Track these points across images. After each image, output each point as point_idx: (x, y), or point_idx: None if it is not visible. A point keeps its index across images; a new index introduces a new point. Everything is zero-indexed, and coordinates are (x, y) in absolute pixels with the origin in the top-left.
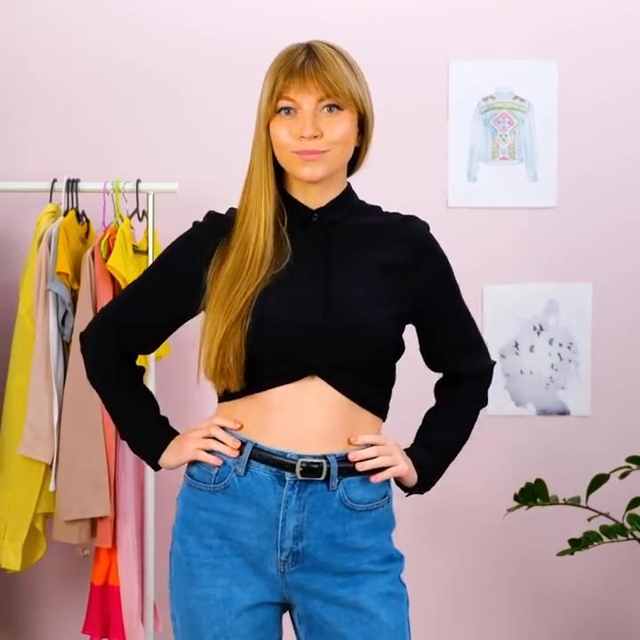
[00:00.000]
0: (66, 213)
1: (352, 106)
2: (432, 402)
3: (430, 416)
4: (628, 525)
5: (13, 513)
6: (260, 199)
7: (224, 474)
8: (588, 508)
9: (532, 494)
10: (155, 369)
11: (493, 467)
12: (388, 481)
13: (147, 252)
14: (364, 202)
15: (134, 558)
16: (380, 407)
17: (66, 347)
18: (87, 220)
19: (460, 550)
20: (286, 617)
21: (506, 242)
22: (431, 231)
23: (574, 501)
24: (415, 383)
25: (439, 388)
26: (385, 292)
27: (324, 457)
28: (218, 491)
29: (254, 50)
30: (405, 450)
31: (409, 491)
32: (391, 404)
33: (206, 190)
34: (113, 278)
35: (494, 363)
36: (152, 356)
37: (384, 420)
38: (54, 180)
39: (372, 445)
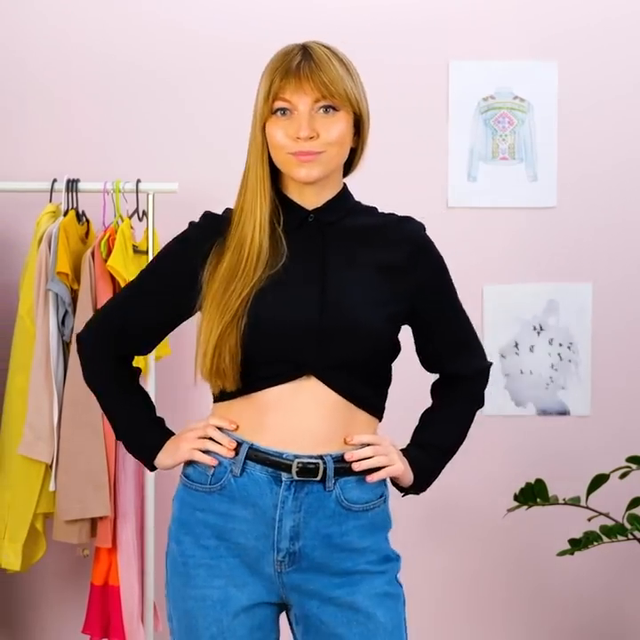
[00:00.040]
0: (66, 213)
1: (348, 107)
2: (428, 402)
3: (426, 416)
4: (628, 525)
5: (13, 513)
6: (255, 199)
7: (220, 474)
8: (588, 508)
9: (532, 494)
10: (155, 369)
11: (493, 467)
12: (384, 481)
13: (147, 252)
14: (359, 202)
15: (134, 558)
16: (376, 407)
17: (66, 347)
18: (87, 220)
19: (460, 550)
20: (283, 617)
21: (506, 242)
22: (428, 232)
23: (574, 501)
24: (411, 383)
25: (435, 389)
26: (381, 292)
27: (321, 457)
28: (214, 491)
29: (254, 50)
30: (401, 450)
31: (405, 491)
32: (387, 404)
33: (206, 190)
34: (113, 278)
35: (491, 364)
36: (152, 356)
37: (380, 420)
38: (54, 180)
39: (367, 445)
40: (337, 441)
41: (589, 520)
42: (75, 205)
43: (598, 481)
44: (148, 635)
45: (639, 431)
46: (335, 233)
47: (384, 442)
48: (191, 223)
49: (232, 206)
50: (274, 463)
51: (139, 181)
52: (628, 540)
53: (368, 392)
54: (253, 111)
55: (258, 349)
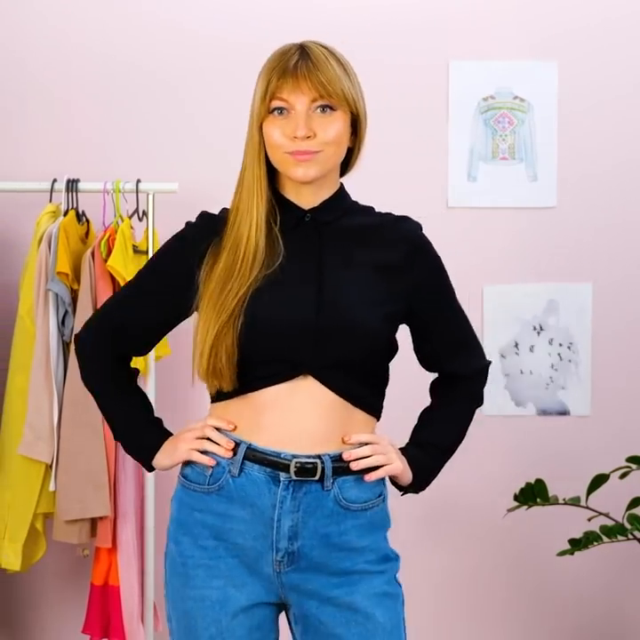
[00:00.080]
0: (66, 213)
1: (345, 106)
2: (426, 401)
3: (425, 415)
4: (628, 525)
5: (13, 513)
6: (251, 199)
7: (218, 475)
8: (588, 508)
9: (532, 494)
10: (154, 369)
11: (493, 466)
12: (382, 480)
13: (147, 252)
14: (356, 202)
15: (134, 558)
16: (373, 406)
17: (66, 347)
18: (87, 220)
19: (459, 550)
20: (283, 617)
21: (506, 242)
22: (426, 232)
23: (574, 501)
24: (409, 383)
25: (434, 388)
26: (378, 292)
27: (319, 457)
28: (212, 492)
29: (254, 50)
30: (400, 449)
31: (404, 490)
32: (385, 403)
33: (206, 190)
34: (113, 278)
35: (490, 362)
36: (152, 356)
37: (378, 419)
38: (54, 180)
39: (366, 444)
40: (335, 440)
41: (589, 520)
42: (75, 205)
43: (598, 481)
44: (148, 635)
45: (639, 431)
46: (332, 233)
47: (382, 441)
48: (188, 223)
49: (228, 206)
50: (272, 463)
51: (139, 181)
52: (628, 540)
53: (365, 391)
54: (250, 110)
55: (254, 349)
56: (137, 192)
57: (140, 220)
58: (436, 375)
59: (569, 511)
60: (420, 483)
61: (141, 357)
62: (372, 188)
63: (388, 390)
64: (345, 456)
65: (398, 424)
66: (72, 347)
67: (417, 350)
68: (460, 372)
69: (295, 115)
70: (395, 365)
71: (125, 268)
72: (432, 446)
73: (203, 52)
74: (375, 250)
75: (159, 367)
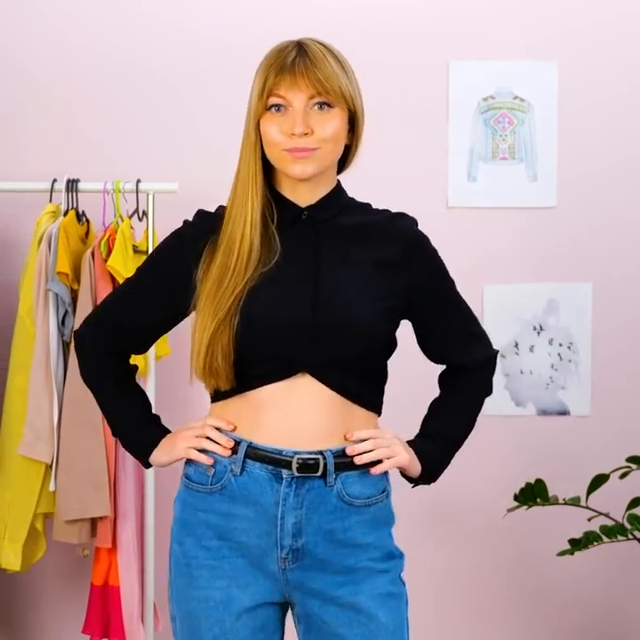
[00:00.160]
0: (66, 213)
1: (342, 103)
2: (427, 398)
3: (434, 406)
4: (628, 525)
5: (13, 513)
6: (247, 196)
7: (221, 474)
8: (588, 508)
9: (532, 494)
10: (154, 369)
11: (493, 467)
12: (386, 475)
13: (147, 252)
14: (353, 199)
15: (134, 558)
16: (373, 403)
17: (66, 347)
18: (87, 220)
19: (459, 550)
20: (289, 618)
21: (506, 242)
22: (428, 232)
23: (574, 501)
24: (409, 380)
25: (442, 379)
26: (375, 289)
27: (320, 453)
28: (215, 491)
29: (254, 50)
30: (408, 441)
31: (415, 482)
32: (386, 400)
33: (206, 190)
34: (113, 278)
35: (497, 352)
36: (152, 356)
37: (379, 415)
38: (54, 180)
39: (367, 440)
40: (336, 436)
41: (589, 520)
42: (75, 205)
43: (598, 481)
44: (148, 635)
45: (639, 431)
46: (329, 230)
47: (386, 434)
48: (185, 222)
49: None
50: (274, 460)
51: (139, 181)
52: (628, 540)
53: (363, 388)
54: (247, 107)
55: (251, 348)
56: (137, 192)
57: (140, 220)
58: (442, 367)
59: (569, 511)
60: (430, 474)
61: (141, 357)
62: (371, 187)
63: (388, 387)
64: (348, 451)
65: (398, 421)
66: (72, 346)
67: (422, 345)
68: (466, 363)
69: (293, 112)
70: (395, 363)
71: (125, 268)
72: (440, 437)
73: (203, 52)
74: (372, 247)
75: (159, 366)
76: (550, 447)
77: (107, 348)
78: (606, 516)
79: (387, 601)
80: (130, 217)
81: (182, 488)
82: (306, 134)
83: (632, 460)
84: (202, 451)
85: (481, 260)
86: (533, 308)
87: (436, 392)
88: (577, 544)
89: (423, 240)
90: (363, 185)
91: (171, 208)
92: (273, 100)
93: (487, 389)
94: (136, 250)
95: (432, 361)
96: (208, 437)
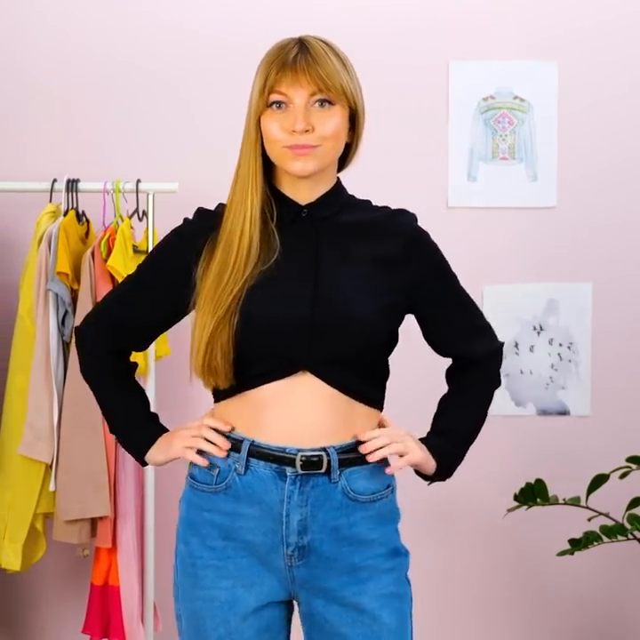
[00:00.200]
0: (66, 213)
1: (343, 101)
2: (428, 395)
3: (443, 402)
4: (628, 525)
5: (13, 513)
6: (246, 193)
7: (225, 474)
8: (588, 508)
9: (532, 494)
10: (154, 368)
11: (493, 467)
12: None
13: (147, 252)
14: (353, 196)
15: (134, 558)
16: (374, 399)
17: (66, 347)
18: (87, 220)
19: (459, 550)
20: (296, 616)
21: (506, 242)
22: (427, 230)
23: (574, 501)
24: (412, 376)
25: (450, 374)
26: (375, 285)
27: (324, 449)
28: (219, 491)
29: (254, 50)
30: (421, 439)
31: (430, 479)
32: (388, 396)
33: (206, 190)
34: (113, 278)
35: (502, 343)
36: (152, 356)
37: (381, 411)
38: (54, 180)
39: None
40: (339, 433)
41: (589, 520)
42: (75, 205)
43: (598, 481)
44: (148, 635)
45: (639, 431)
46: (329, 228)
47: (398, 431)
48: (185, 220)
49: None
50: (277, 458)
51: (139, 181)
52: (628, 540)
53: (365, 385)
54: (248, 104)
55: (250, 347)
56: (137, 192)
57: (140, 220)
58: (448, 361)
59: (569, 511)
60: (445, 470)
61: (141, 356)
62: (371, 187)
63: (390, 383)
64: (361, 449)
65: (402, 418)
66: (72, 346)
67: (427, 339)
68: (472, 356)
69: (294, 109)
70: (397, 358)
71: (125, 268)
72: (452, 432)
73: (203, 52)
74: (372, 243)
75: (159, 366)
76: (550, 447)
77: (107, 346)
78: (606, 516)
79: (390, 601)
80: (130, 217)
81: (187, 488)
82: (307, 131)
83: (632, 459)
84: (200, 452)
85: (481, 259)
86: (533, 308)
87: (438, 387)
88: (577, 544)
89: (423, 236)
90: (363, 185)
91: (171, 208)
92: (274, 97)
93: (494, 382)
94: (136, 250)
95: (438, 353)
96: (205, 438)
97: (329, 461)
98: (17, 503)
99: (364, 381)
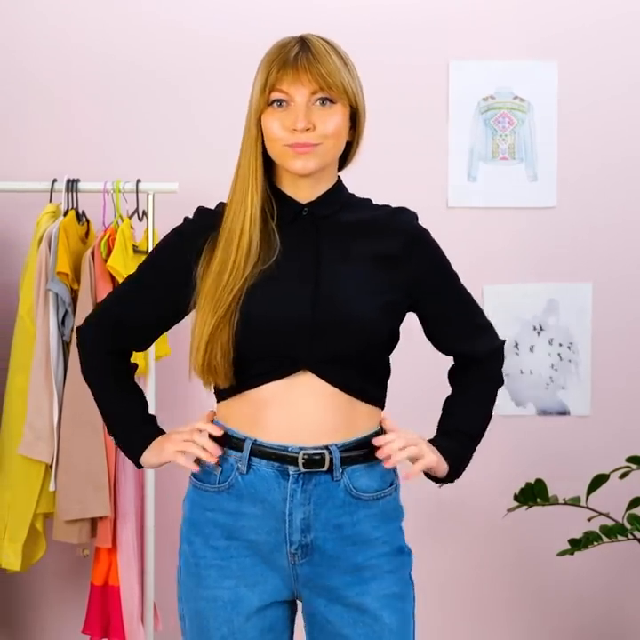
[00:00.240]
0: (66, 213)
1: (345, 99)
2: (430, 394)
3: (448, 404)
4: (628, 525)
5: (13, 513)
6: (246, 192)
7: (227, 473)
8: (588, 508)
9: (532, 494)
10: (154, 368)
11: (493, 467)
12: (394, 469)
13: (147, 252)
14: (354, 195)
15: (134, 558)
16: (375, 397)
17: (66, 347)
18: (87, 220)
19: (459, 550)
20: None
21: (506, 242)
22: (430, 230)
23: (574, 501)
24: (414, 375)
25: (452, 375)
26: (376, 283)
27: (326, 447)
28: (222, 490)
29: (254, 50)
30: (429, 441)
31: (440, 481)
32: (390, 395)
33: (206, 190)
34: (113, 278)
35: (504, 341)
36: (152, 356)
37: (382, 409)
38: (54, 180)
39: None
40: (340, 431)
41: (589, 520)
42: (75, 205)
43: (598, 481)
44: (148, 635)
45: (639, 431)
46: (329, 227)
47: (411, 435)
48: (186, 218)
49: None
50: (280, 457)
51: (139, 181)
52: (628, 540)
53: (366, 384)
54: (249, 103)
55: (250, 346)
56: (137, 192)
57: (140, 220)
58: (451, 364)
59: (569, 511)
60: (455, 472)
61: (141, 355)
62: (372, 187)
63: (392, 382)
64: (378, 454)
65: (402, 418)
66: (72, 346)
67: (429, 337)
68: (474, 354)
69: (295, 107)
70: (399, 357)
71: (125, 268)
72: (460, 433)
73: (203, 52)
74: (373, 241)
75: (159, 366)
76: (550, 447)
77: (107, 347)
78: (606, 516)
79: (393, 602)
80: (130, 217)
81: (190, 487)
82: (308, 130)
83: (632, 459)
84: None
85: (481, 260)
86: (533, 308)
87: (440, 385)
88: (577, 544)
89: (423, 234)
90: (363, 185)
91: (171, 208)
92: (275, 96)
93: (497, 381)
94: (136, 250)
95: (440, 351)
96: (197, 442)
97: (331, 459)
98: (17, 503)
99: (365, 380)
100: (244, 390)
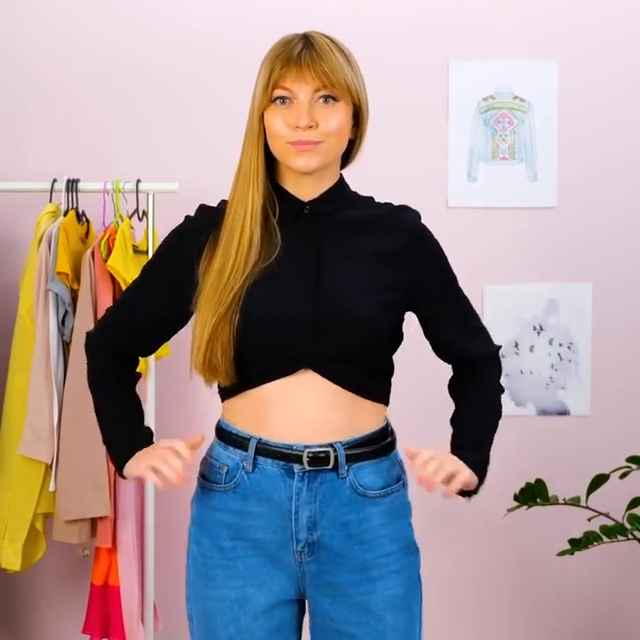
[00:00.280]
0: (66, 213)
1: (348, 97)
2: (433, 393)
3: (458, 419)
4: (628, 525)
5: (13, 513)
6: (248, 189)
7: (233, 472)
8: (588, 508)
9: (532, 494)
10: (154, 368)
11: (493, 467)
12: (401, 464)
13: (147, 252)
14: (356, 193)
15: (134, 558)
16: (378, 394)
17: (66, 347)
18: (87, 220)
19: (459, 550)
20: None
21: (506, 242)
22: (428, 227)
23: (574, 501)
24: (416, 377)
25: (453, 387)
26: (377, 281)
27: (331, 445)
28: (229, 490)
29: (254, 50)
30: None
31: (467, 494)
32: (396, 398)
33: (206, 190)
34: (113, 278)
35: (499, 347)
36: (152, 356)
37: (387, 405)
38: (54, 180)
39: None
40: (345, 428)
41: (589, 520)
42: (75, 205)
43: (598, 481)
44: (148, 635)
45: (639, 431)
46: (331, 224)
47: (445, 455)
48: (187, 217)
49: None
50: (285, 456)
51: (139, 181)
52: (628, 540)
53: (368, 381)
54: (251, 100)
55: (250, 345)
56: (137, 192)
57: (140, 220)
58: (451, 377)
59: (569, 511)
60: (481, 483)
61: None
62: (372, 188)
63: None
64: (418, 481)
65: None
66: (72, 347)
67: (427, 337)
68: (469, 355)
69: (298, 104)
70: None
71: (125, 267)
72: (477, 444)
73: (203, 52)
74: (375, 239)
75: (159, 366)
76: (550, 447)
77: (109, 355)
78: (606, 516)
79: (398, 602)
80: (130, 217)
81: (198, 488)
82: (310, 127)
83: (632, 459)
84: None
85: (481, 260)
86: (533, 308)
87: (445, 385)
88: (577, 544)
89: (426, 233)
90: (363, 185)
91: (171, 208)
92: (278, 93)
93: (499, 390)
94: (136, 250)
95: (438, 355)
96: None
97: (336, 457)
98: (17, 503)
99: (367, 377)
100: (247, 389)
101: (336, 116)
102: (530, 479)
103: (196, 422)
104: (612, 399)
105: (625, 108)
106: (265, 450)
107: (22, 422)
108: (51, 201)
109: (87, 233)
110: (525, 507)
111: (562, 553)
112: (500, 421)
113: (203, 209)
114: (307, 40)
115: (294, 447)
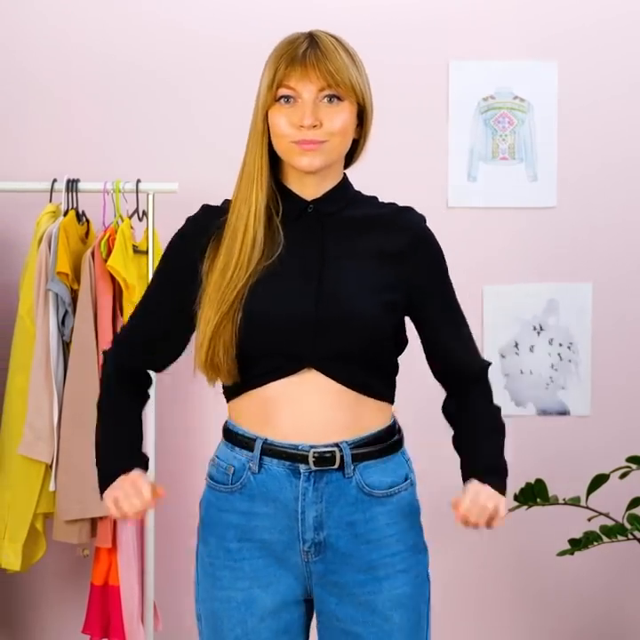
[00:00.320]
0: (66, 213)
1: (352, 97)
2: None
3: (466, 446)
4: (628, 525)
5: (13, 513)
6: (251, 188)
7: (240, 473)
8: (588, 508)
9: (532, 494)
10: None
11: None
12: (408, 462)
13: (147, 252)
14: (359, 192)
15: (134, 558)
16: (383, 393)
17: (66, 347)
18: (87, 220)
19: (459, 550)
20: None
21: (506, 242)
22: (429, 226)
23: (574, 501)
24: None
25: (448, 412)
26: (380, 280)
27: (336, 445)
28: (235, 491)
29: (254, 50)
30: (474, 481)
31: None
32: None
33: (206, 190)
34: (113, 278)
35: (490, 363)
36: None
37: (392, 403)
38: (54, 180)
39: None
40: (350, 427)
41: (589, 520)
42: (75, 205)
43: (598, 481)
44: (148, 635)
45: (639, 431)
46: (334, 223)
47: (480, 498)
48: (188, 218)
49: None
50: (290, 456)
51: (139, 181)
52: (628, 540)
53: (372, 380)
54: (256, 99)
55: (253, 344)
56: (137, 192)
57: (140, 220)
58: (444, 396)
59: (569, 511)
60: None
61: None
62: (372, 188)
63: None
64: (462, 523)
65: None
66: (72, 347)
67: (423, 342)
68: (460, 365)
69: (302, 103)
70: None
71: (125, 268)
72: (494, 467)
73: (203, 52)
74: (378, 238)
75: None
76: (550, 447)
77: (124, 377)
78: (606, 516)
79: (405, 601)
80: (130, 217)
81: (206, 489)
82: (314, 127)
83: (632, 459)
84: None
85: (481, 260)
86: (533, 308)
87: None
88: (577, 544)
89: (430, 237)
90: (363, 185)
91: (171, 208)
92: (282, 92)
93: (496, 410)
94: (136, 250)
95: (430, 362)
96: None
97: (342, 456)
98: (17, 503)
99: (371, 376)
100: (251, 389)
101: (340, 115)
102: (530, 479)
103: (196, 422)
104: (612, 399)
105: (625, 108)
106: (271, 450)
107: (22, 422)
108: (51, 201)
109: (87, 233)
110: (525, 507)
111: (562, 553)
112: None
113: (205, 208)
114: (312, 39)
115: (300, 447)
